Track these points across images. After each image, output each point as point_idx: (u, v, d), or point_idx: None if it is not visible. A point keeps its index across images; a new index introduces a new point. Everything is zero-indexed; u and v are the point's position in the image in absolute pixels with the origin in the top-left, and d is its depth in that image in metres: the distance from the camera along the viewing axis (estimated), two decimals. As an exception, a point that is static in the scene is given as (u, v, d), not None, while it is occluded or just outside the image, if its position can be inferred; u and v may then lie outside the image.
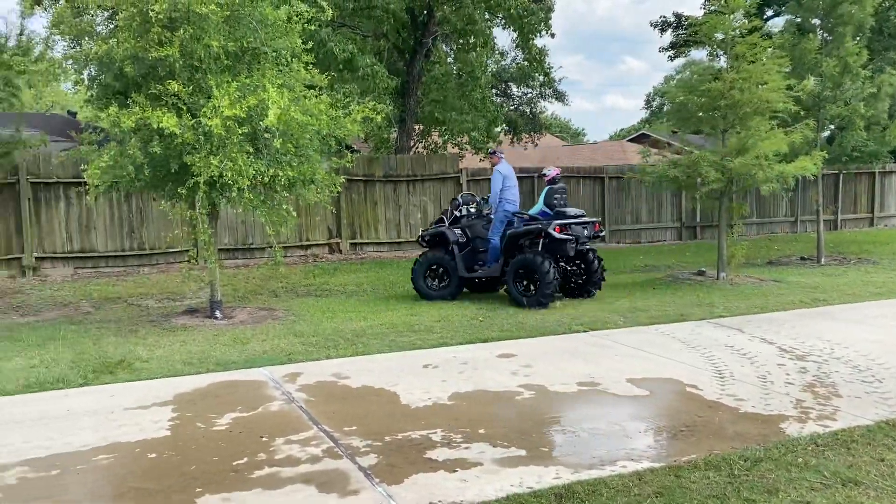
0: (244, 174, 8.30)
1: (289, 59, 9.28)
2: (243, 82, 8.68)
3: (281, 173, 8.76)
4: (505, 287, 10.23)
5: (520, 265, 9.87)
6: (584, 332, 8.27)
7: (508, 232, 10.22)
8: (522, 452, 4.56)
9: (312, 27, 9.51)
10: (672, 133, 17.32)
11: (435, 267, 10.68)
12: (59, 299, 11.40)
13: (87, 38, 8.90)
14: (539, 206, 10.56)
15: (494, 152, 11.21)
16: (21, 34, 11.12)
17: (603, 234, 12.27)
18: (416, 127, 19.17)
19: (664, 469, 4.26)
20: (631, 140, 35.81)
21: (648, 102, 48.93)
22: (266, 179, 8.72)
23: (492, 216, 10.67)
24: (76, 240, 13.22)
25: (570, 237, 9.96)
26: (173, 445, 4.78)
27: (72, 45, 11.52)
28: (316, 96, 9.26)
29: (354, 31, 15.76)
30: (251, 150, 8.59)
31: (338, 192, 10.44)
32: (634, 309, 9.64)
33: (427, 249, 10.88)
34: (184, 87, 8.27)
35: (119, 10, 8.36)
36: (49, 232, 13.02)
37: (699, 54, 26.24)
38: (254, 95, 8.28)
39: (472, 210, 10.86)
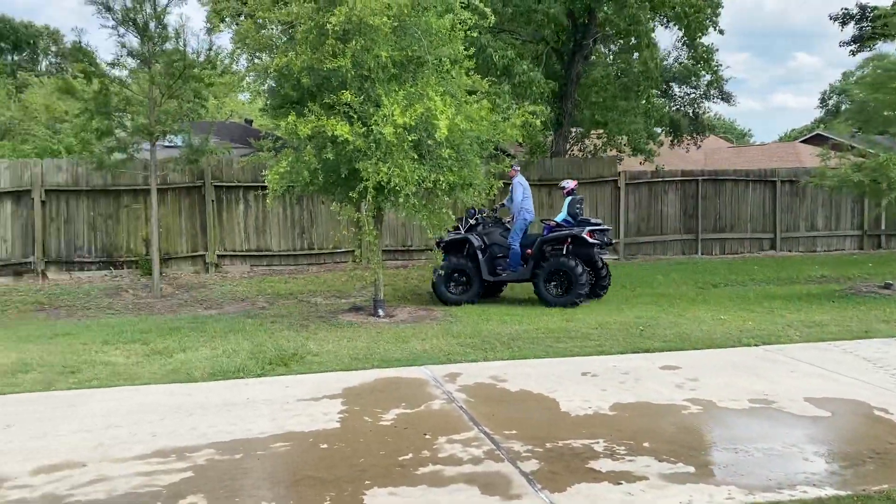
0: (410, 180, 8.58)
1: (450, 66, 9.49)
2: (408, 90, 8.98)
3: (442, 178, 8.96)
4: (534, 289, 10.99)
5: (553, 268, 10.79)
6: (756, 346, 7.80)
7: (542, 237, 11.08)
8: (690, 469, 4.37)
9: (475, 34, 9.67)
10: (853, 134, 15.98)
11: (457, 272, 11.20)
12: (237, 294, 12.32)
13: (267, 52, 9.56)
14: (563, 214, 11.27)
15: (513, 166, 11.82)
16: (210, 49, 12.12)
17: (615, 241, 12.78)
18: (573, 130, 18.94)
19: (852, 498, 3.93)
20: (804, 141, 33.37)
21: (824, 101, 45.50)
22: (429, 184, 8.97)
23: (507, 224, 11.51)
24: (253, 239, 14.24)
25: (598, 242, 10.94)
26: (343, 437, 5.01)
27: (251, 59, 12.46)
28: (477, 101, 9.41)
29: (513, 36, 15.83)
30: (415, 156, 8.87)
31: (494, 196, 10.62)
32: (811, 323, 8.97)
33: (445, 255, 11.22)
34: (355, 97, 8.68)
35: (298, 24, 8.91)
36: (229, 231, 14.11)
37: (888, 48, 24.00)
38: (420, 104, 8.54)
39: (485, 218, 11.64)
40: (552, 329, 8.75)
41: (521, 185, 11.42)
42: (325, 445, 4.87)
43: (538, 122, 9.92)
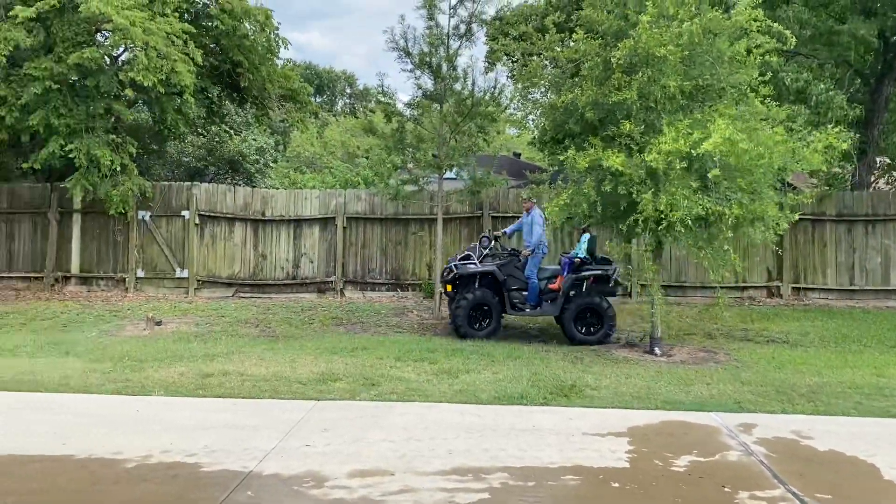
0: (687, 211, 8.22)
1: (745, 93, 8.98)
2: (695, 119, 8.66)
3: (728, 211, 8.46)
4: (562, 327, 10.71)
5: (584, 306, 10.58)
6: None
7: (574, 275, 10.73)
8: None
9: (773, 58, 9.07)
10: None
11: (478, 306, 10.81)
12: (512, 322, 12.68)
13: (553, 88, 9.83)
14: (583, 252, 10.90)
15: (530, 197, 11.52)
16: (494, 87, 12.76)
17: None
18: (878, 160, 16.89)
19: None
20: None
21: None
22: (711, 218, 8.53)
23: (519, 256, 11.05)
24: (525, 268, 14.61)
25: (622, 283, 11.11)
26: (634, 479, 4.88)
27: (525, 94, 12.88)
28: (771, 128, 8.77)
29: (808, 60, 14.60)
30: (695, 186, 8.47)
31: (782, 232, 9.74)
32: None
33: (457, 288, 10.93)
34: (636, 127, 8.57)
35: (583, 60, 9.05)
36: (503, 260, 14.62)
37: None
38: (699, 130, 8.19)
39: (496, 248, 11.27)
40: (859, 384, 7.79)
41: (541, 217, 11.13)
42: (616, 484, 4.78)
43: (844, 145, 8.91)
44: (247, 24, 15.11)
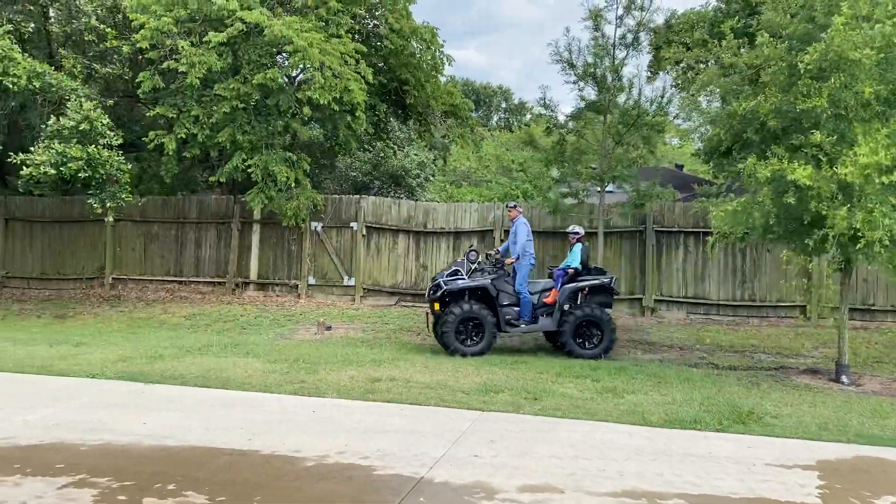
0: (888, 230, 7.50)
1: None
2: (892, 129, 7.90)
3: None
4: (560, 339, 10.29)
5: (583, 319, 10.18)
6: None
7: (570, 286, 10.35)
8: None
9: None
10: None
11: (467, 321, 10.22)
12: (675, 340, 12.16)
13: (729, 95, 9.34)
14: (576, 262, 10.52)
15: (515, 206, 11.11)
16: (662, 96, 12.35)
17: None
18: None
19: None
20: None
21: None
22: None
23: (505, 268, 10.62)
24: (690, 286, 13.97)
25: (618, 292, 10.86)
26: (829, 517, 4.48)
27: (696, 103, 12.33)
28: None
29: None
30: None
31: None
32: None
33: (445, 306, 10.31)
34: (826, 137, 7.94)
35: (766, 66, 8.53)
36: (667, 276, 14.07)
37: None
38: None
39: (484, 262, 10.79)
40: None
41: (525, 226, 10.80)
42: (808, 522, 4.40)
43: None
44: (413, 43, 15.63)
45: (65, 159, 11.96)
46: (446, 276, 10.49)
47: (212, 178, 14.78)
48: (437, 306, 10.42)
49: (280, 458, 5.45)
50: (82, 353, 9.72)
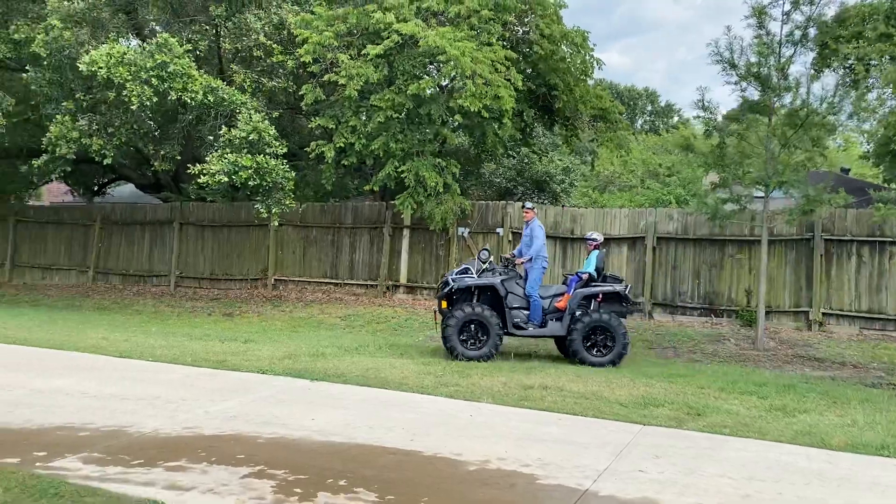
0: None
1: None
2: None
3: None
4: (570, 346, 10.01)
5: (594, 325, 9.87)
6: None
7: (583, 291, 10.13)
8: None
9: None
10: None
11: (471, 323, 9.88)
12: (846, 357, 11.27)
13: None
14: (591, 267, 10.29)
15: (532, 207, 10.92)
16: (834, 95, 11.49)
17: None
18: None
19: None
20: None
21: None
22: None
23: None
24: (864, 299, 12.89)
25: (633, 300, 10.55)
26: None
27: (882, 100, 11.37)
28: None
29: None
30: None
31: None
32: None
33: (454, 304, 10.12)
34: None
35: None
36: (837, 288, 13.06)
37: None
38: None
39: (496, 263, 10.54)
40: None
41: (540, 228, 10.59)
42: None
43: None
44: (563, 47, 15.50)
45: (236, 168, 12.83)
46: (455, 274, 10.33)
47: (366, 186, 15.36)
48: (444, 304, 10.25)
49: (443, 460, 5.53)
50: (251, 349, 10.37)
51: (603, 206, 21.93)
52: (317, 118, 14.20)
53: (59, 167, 14.56)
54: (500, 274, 10.32)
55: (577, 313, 10.13)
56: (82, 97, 13.85)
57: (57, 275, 19.55)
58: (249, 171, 12.95)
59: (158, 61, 12.55)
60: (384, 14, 13.02)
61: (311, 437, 6.03)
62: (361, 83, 13.32)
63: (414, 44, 13.49)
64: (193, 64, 13.40)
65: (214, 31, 15.39)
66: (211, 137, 17.49)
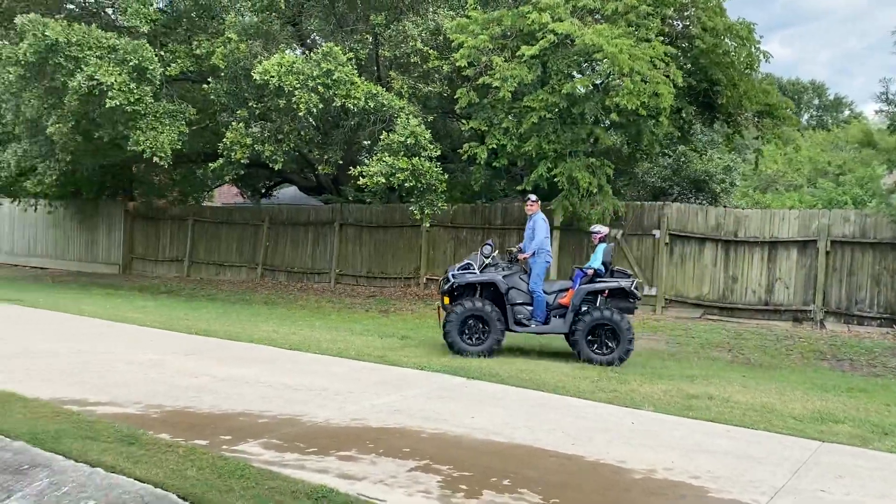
0: None
1: None
2: None
3: None
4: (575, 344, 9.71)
5: (597, 322, 9.60)
6: None
7: (587, 287, 9.81)
8: None
9: None
10: None
11: (473, 318, 9.73)
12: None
13: None
14: (597, 262, 9.95)
15: (537, 200, 10.47)
16: None
17: None
18: None
19: None
20: None
21: None
22: None
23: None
24: None
25: (639, 297, 10.14)
26: None
27: None
28: None
29: None
30: None
31: None
32: None
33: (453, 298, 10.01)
34: None
35: None
36: None
37: None
38: None
39: (499, 258, 10.27)
40: None
41: (544, 222, 10.30)
42: None
43: None
44: (727, 41, 14.77)
45: (393, 170, 13.26)
46: (457, 270, 10.06)
47: (518, 187, 15.36)
48: (447, 300, 10.06)
49: (606, 466, 5.42)
50: (407, 346, 10.67)
51: (767, 206, 20.66)
52: (470, 121, 14.38)
53: (233, 171, 15.67)
54: (503, 269, 10.12)
55: (584, 309, 9.83)
56: (255, 105, 14.83)
57: (229, 271, 21.08)
58: (406, 172, 13.34)
59: (324, 69, 13.21)
60: (539, 15, 12.97)
61: (471, 434, 6.11)
62: (515, 85, 13.35)
63: (569, 43, 13.35)
64: (355, 71, 13.98)
65: (373, 39, 15.98)
66: (367, 142, 18.25)
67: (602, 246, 10.21)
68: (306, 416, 6.52)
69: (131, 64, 13.46)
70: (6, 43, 13.83)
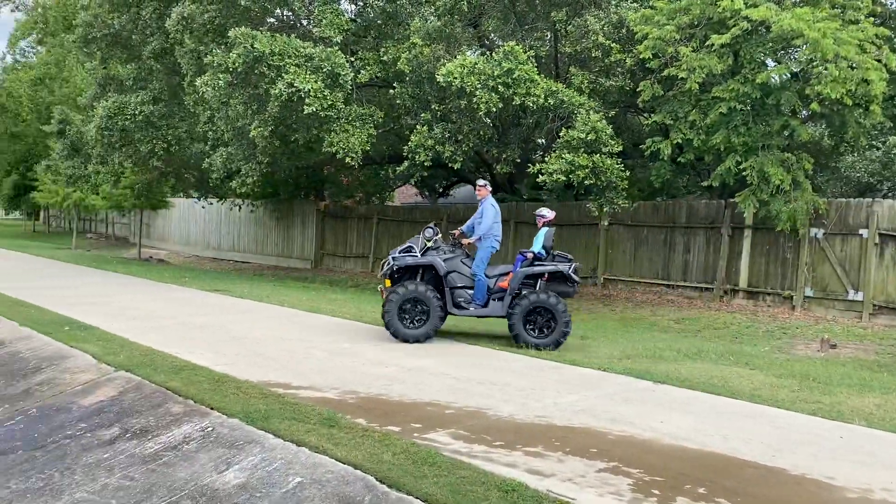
0: None
1: None
2: None
3: None
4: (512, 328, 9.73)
5: (535, 305, 9.62)
6: None
7: (526, 270, 9.83)
8: None
9: None
10: None
11: (411, 302, 9.64)
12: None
13: None
14: (538, 246, 9.95)
15: (485, 184, 10.33)
16: None
17: None
18: None
19: None
20: None
21: None
22: None
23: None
24: None
25: (579, 280, 10.04)
26: None
27: None
28: None
29: None
30: None
31: None
32: None
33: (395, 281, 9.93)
34: None
35: None
36: None
37: None
38: None
39: (441, 241, 10.15)
40: None
41: (493, 206, 10.12)
42: None
43: None
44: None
45: (573, 167, 13.11)
46: (398, 252, 9.94)
47: (703, 182, 14.65)
48: (388, 283, 9.95)
49: (813, 482, 5.03)
50: (588, 346, 10.52)
51: None
52: (654, 115, 13.90)
53: (417, 172, 16.24)
54: (445, 252, 10.00)
55: (522, 292, 9.79)
56: (437, 108, 15.28)
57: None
58: (586, 170, 13.14)
59: (505, 69, 13.34)
60: (731, 1, 12.26)
61: (660, 439, 5.91)
62: (703, 75, 12.72)
63: (764, 30, 12.52)
64: (535, 69, 13.98)
65: (552, 35, 15.90)
66: (541, 140, 18.20)
67: (544, 230, 10.15)
68: (490, 410, 6.62)
69: (325, 71, 14.34)
70: (219, 51, 15.21)
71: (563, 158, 13.30)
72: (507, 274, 10.09)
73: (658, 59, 13.41)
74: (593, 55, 14.62)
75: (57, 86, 37.04)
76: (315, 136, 15.64)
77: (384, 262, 10.13)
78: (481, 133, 15.28)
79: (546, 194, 16.38)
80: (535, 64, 14.43)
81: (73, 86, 35.16)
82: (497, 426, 6.12)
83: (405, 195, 33.41)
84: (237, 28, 14.65)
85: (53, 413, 7.10)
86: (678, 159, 14.36)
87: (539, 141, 18.66)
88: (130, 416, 6.67)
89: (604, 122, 13.56)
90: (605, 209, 14.00)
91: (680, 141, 13.68)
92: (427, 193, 27.78)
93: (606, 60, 14.52)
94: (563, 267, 9.89)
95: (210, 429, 6.09)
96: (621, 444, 5.77)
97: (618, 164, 13.69)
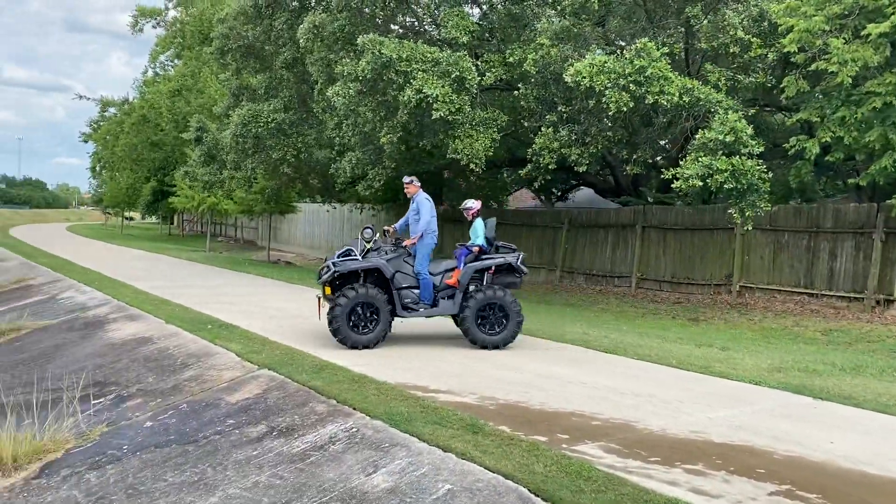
0: None
1: None
2: None
3: None
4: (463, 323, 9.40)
5: (487, 302, 9.33)
6: None
7: (475, 265, 9.51)
8: None
9: None
10: None
11: (361, 306, 9.07)
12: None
13: None
14: (481, 238, 9.68)
15: (412, 180, 9.86)
16: None
17: None
18: None
19: None
20: None
21: None
22: None
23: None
24: None
25: (526, 272, 9.86)
26: None
27: None
28: None
29: None
30: None
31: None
32: None
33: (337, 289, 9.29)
34: None
35: None
36: None
37: None
38: None
39: (380, 241, 9.70)
40: None
41: (428, 201, 9.76)
42: None
43: None
44: None
45: (710, 171, 12.45)
46: (337, 257, 9.39)
47: (850, 181, 13.60)
48: (328, 290, 9.30)
49: None
50: (730, 357, 9.91)
51: None
52: (799, 112, 13.02)
53: (540, 176, 15.96)
54: (387, 253, 9.56)
55: (471, 289, 9.47)
56: (563, 109, 14.96)
57: (528, 272, 21.56)
58: (725, 173, 12.45)
59: (636, 66, 12.86)
60: (890, -13, 11.31)
61: (834, 461, 5.40)
62: (857, 68, 11.79)
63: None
64: (669, 66, 13.42)
65: (685, 31, 15.24)
66: (664, 142, 17.45)
67: (479, 221, 9.86)
68: (640, 422, 6.29)
69: (453, 76, 14.33)
70: (348, 61, 15.52)
71: (699, 162, 12.65)
72: (452, 270, 9.68)
73: (804, 53, 12.55)
74: (730, 51, 13.87)
75: (193, 96, 39.19)
76: (441, 141, 15.66)
77: (322, 269, 9.54)
78: (610, 134, 14.83)
79: (676, 198, 15.66)
80: (669, 61, 13.85)
81: (208, 96, 37.09)
82: (650, 440, 5.80)
83: (519, 199, 33.19)
84: (365, 35, 14.89)
85: (202, 409, 7.36)
86: (827, 158, 13.38)
87: (662, 143, 17.93)
88: (276, 414, 6.79)
89: (743, 121, 12.81)
90: (746, 213, 13.18)
91: (829, 139, 12.74)
92: (544, 198, 27.38)
93: (745, 56, 13.73)
94: (511, 258, 9.70)
95: (355, 430, 6.10)
96: (790, 465, 5.31)
97: (759, 165, 12.89)
